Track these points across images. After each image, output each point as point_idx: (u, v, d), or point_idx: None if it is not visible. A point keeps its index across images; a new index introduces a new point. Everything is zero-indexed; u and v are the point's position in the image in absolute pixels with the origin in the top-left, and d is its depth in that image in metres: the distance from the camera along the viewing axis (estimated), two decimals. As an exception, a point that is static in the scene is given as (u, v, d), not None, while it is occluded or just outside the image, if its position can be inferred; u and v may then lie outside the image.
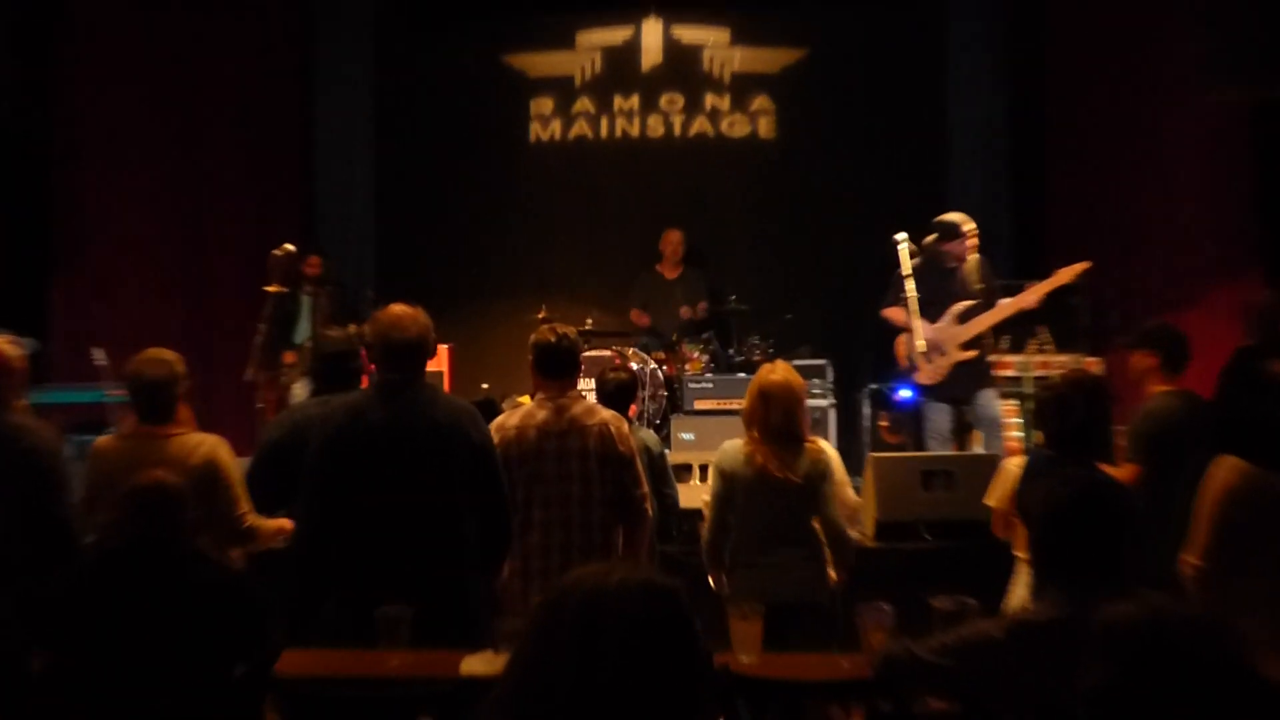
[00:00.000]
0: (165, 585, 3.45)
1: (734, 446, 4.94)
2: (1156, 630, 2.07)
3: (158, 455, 4.48)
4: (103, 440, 4.76)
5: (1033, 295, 7.39)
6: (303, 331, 9.73)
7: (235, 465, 4.69)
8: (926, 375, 7.55)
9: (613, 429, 4.71)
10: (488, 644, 3.85)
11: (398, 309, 4.34)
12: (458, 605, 4.14)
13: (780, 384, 4.89)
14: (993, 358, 7.88)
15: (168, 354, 4.76)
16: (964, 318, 7.48)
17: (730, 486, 4.89)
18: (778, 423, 4.85)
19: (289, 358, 9.41)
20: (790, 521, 4.87)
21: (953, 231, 7.56)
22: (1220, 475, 4.20)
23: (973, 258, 7.59)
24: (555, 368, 4.78)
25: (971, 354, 7.43)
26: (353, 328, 8.50)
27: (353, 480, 4.17)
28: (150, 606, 3.41)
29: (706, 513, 5.00)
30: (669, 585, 1.96)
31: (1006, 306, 7.42)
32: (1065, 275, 7.31)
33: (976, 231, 7.58)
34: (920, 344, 7.41)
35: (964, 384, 7.51)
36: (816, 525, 4.91)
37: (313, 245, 9.97)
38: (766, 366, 5.04)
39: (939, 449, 7.54)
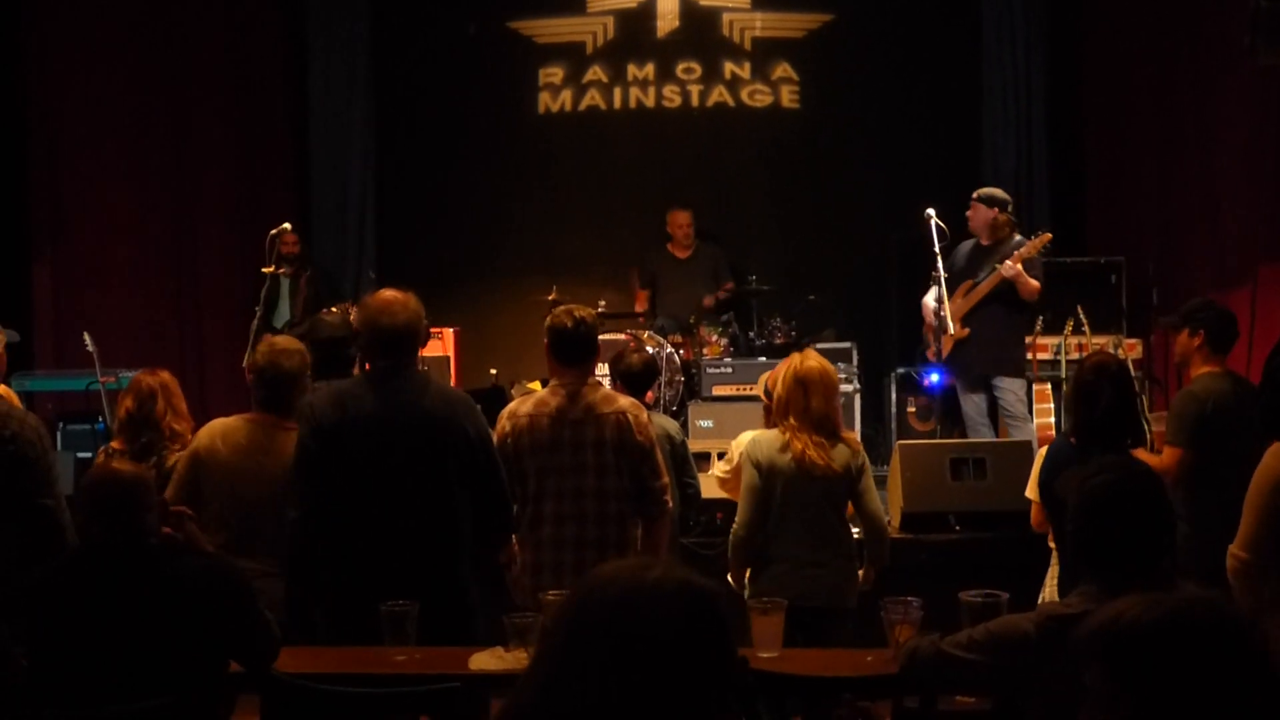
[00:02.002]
0: (141, 581, 3.48)
1: (767, 438, 4.99)
2: (1169, 627, 2.06)
3: (282, 447, 4.62)
4: (221, 420, 4.90)
5: (994, 279, 7.53)
6: (282, 314, 9.76)
7: None
8: (932, 352, 7.93)
9: (630, 417, 4.74)
10: (482, 639, 3.93)
11: (387, 294, 4.39)
12: (451, 600, 4.21)
13: (818, 370, 4.96)
14: (1032, 341, 8.05)
15: (297, 344, 4.90)
16: (966, 294, 7.65)
17: (769, 480, 4.92)
18: (818, 409, 4.91)
19: None
20: (828, 517, 4.94)
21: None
22: (1271, 464, 4.21)
23: (1017, 237, 7.70)
24: (572, 353, 4.80)
25: (962, 332, 7.57)
26: (351, 310, 8.58)
27: (340, 472, 4.24)
28: (127, 604, 3.44)
29: (740, 506, 5.01)
30: (708, 588, 1.98)
31: (984, 287, 7.60)
32: (1029, 250, 7.48)
33: (972, 203, 7.78)
34: (931, 320, 7.84)
35: (983, 366, 7.68)
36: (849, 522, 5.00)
37: (295, 223, 9.95)
38: (798, 355, 5.10)
39: (974, 435, 7.63)
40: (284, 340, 4.92)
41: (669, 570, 1.96)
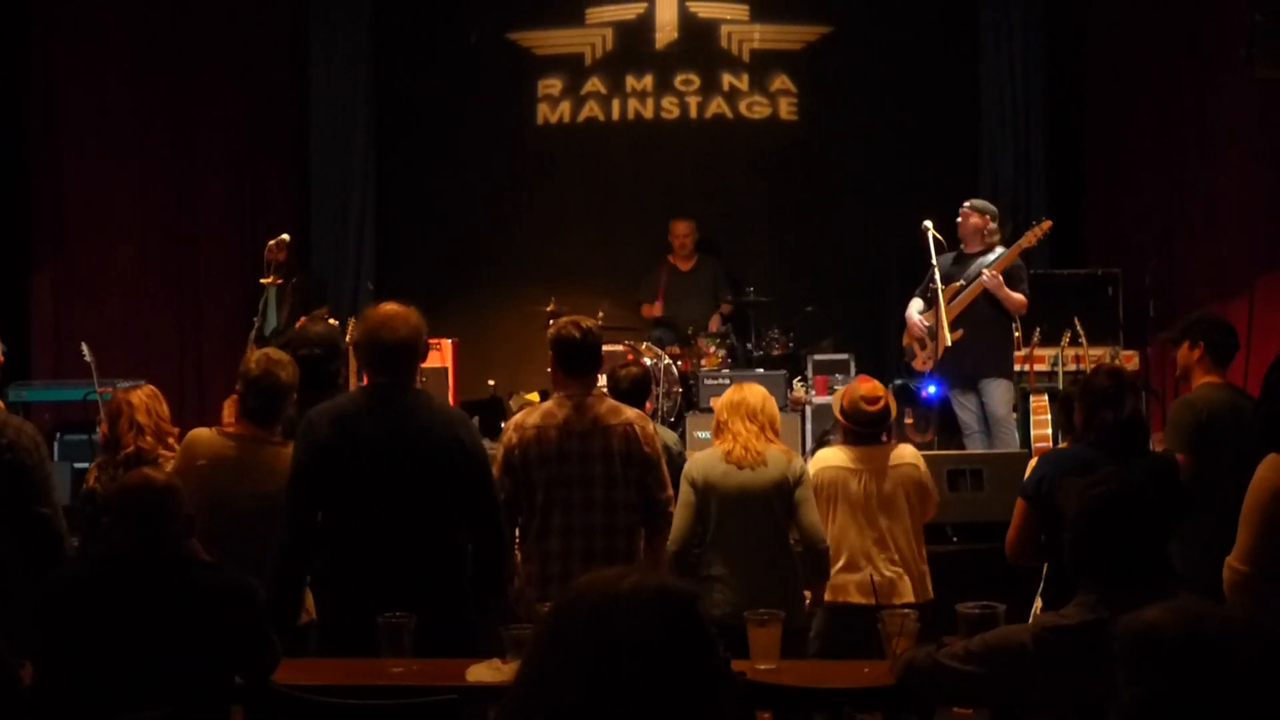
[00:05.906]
0: (163, 590, 3.49)
1: (704, 455, 5.11)
2: (1192, 636, 2.08)
3: (268, 461, 4.61)
4: (204, 432, 4.84)
5: (986, 274, 7.58)
6: (270, 322, 9.69)
7: None
8: (920, 361, 7.93)
9: (638, 429, 4.74)
10: (484, 654, 3.92)
11: (388, 307, 4.34)
12: (450, 617, 4.17)
13: (759, 388, 5.21)
14: (1021, 351, 8.06)
15: (288, 356, 4.86)
16: (952, 300, 7.70)
17: (704, 496, 4.99)
18: (754, 403, 5.07)
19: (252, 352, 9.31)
20: (766, 532, 4.98)
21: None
22: (1266, 476, 4.20)
23: (999, 250, 7.75)
24: (578, 364, 4.80)
25: (954, 336, 7.59)
26: (348, 320, 8.51)
27: (337, 492, 4.21)
28: (147, 613, 3.45)
29: (674, 521, 4.96)
30: (684, 590, 1.98)
31: (970, 292, 7.64)
32: (1028, 239, 7.62)
33: (963, 211, 7.88)
34: (915, 330, 7.90)
35: (971, 368, 7.72)
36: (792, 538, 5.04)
37: (294, 234, 9.87)
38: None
39: (970, 443, 7.63)
40: (278, 352, 4.88)
41: (645, 576, 1.96)
